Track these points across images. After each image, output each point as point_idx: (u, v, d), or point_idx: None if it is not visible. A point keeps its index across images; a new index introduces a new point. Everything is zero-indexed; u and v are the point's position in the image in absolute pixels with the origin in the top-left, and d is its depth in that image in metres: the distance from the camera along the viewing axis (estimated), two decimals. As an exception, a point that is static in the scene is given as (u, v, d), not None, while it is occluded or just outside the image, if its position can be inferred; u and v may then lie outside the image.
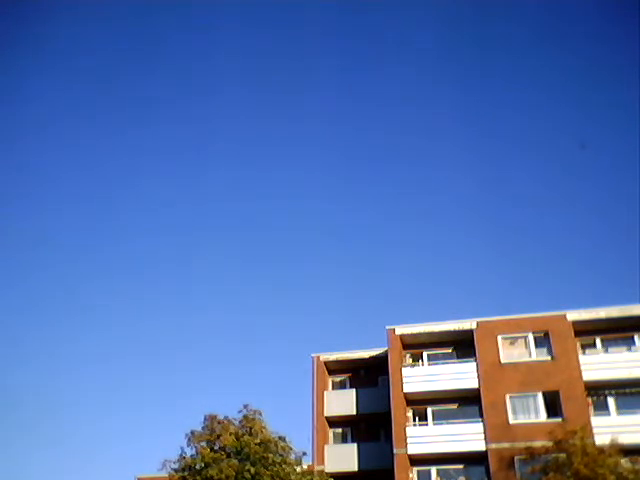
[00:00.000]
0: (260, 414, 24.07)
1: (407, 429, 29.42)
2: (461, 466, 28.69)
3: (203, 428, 23.83)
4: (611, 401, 28.23)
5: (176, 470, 23.26)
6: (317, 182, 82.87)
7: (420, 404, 30.64)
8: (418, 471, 29.11)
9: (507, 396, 28.63)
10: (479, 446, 28.05)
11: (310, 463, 28.69)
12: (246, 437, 23.06)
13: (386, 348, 31.92)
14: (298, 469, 23.96)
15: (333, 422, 33.20)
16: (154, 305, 78.16)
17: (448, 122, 76.03)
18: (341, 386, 34.71)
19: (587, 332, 29.66)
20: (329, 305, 76.70)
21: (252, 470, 22.05)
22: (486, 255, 74.22)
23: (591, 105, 75.03)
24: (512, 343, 30.12)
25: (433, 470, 29.01)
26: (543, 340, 29.71)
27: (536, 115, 73.95)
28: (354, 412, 32.52)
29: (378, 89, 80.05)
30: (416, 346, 32.16)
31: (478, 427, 28.48)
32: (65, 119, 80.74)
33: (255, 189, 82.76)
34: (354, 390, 33.31)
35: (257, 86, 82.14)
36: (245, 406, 24.27)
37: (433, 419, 30.37)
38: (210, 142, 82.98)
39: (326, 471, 28.77)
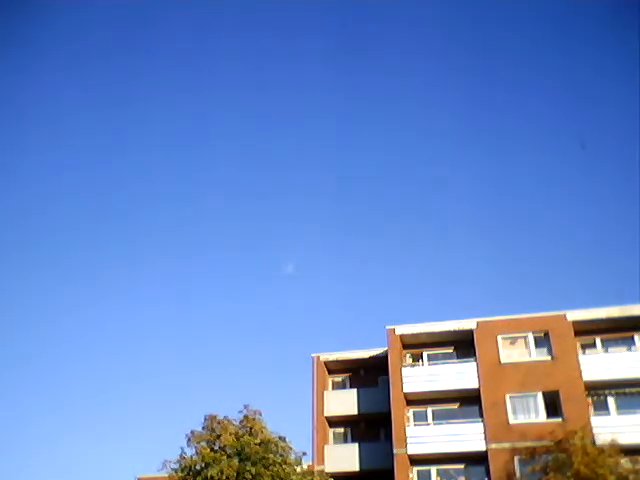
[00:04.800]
0: (260, 414, 24.09)
1: (407, 429, 29.41)
2: (461, 466, 28.69)
3: (203, 428, 23.84)
4: (611, 401, 28.21)
5: (176, 470, 23.27)
6: (317, 180, 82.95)
7: (420, 404, 30.62)
8: (418, 471, 29.11)
9: (507, 396, 28.61)
10: (479, 446, 28.04)
11: (310, 463, 28.69)
12: (246, 437, 23.07)
13: (386, 348, 31.91)
14: (298, 469, 23.97)
15: (333, 422, 33.20)
16: (154, 304, 78.27)
17: (450, 121, 76.08)
18: (341, 386, 34.69)
19: (587, 332, 29.63)
20: (329, 305, 76.81)
21: (252, 470, 22.06)
22: (486, 255, 74.25)
23: (591, 105, 75.11)
24: (512, 343, 30.11)
25: (433, 470, 29.02)
26: (543, 340, 29.70)
27: (537, 114, 74.03)
28: (354, 412, 32.50)
29: (380, 89, 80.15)
30: (416, 346, 32.15)
31: (478, 427, 28.47)
32: (62, 118, 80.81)
33: (253, 187, 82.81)
34: (355, 390, 33.28)
35: (257, 87, 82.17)
36: (245, 406, 24.32)
37: (433, 419, 30.36)
38: (208, 141, 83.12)
39: (326, 471, 28.81)
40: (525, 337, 29.99)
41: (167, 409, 67.58)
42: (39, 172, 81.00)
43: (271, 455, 22.75)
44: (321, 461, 30.91)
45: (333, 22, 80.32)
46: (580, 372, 28.12)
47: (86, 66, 78.34)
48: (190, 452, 23.60)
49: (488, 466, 27.44)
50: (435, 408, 30.48)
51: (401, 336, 31.69)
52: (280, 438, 23.79)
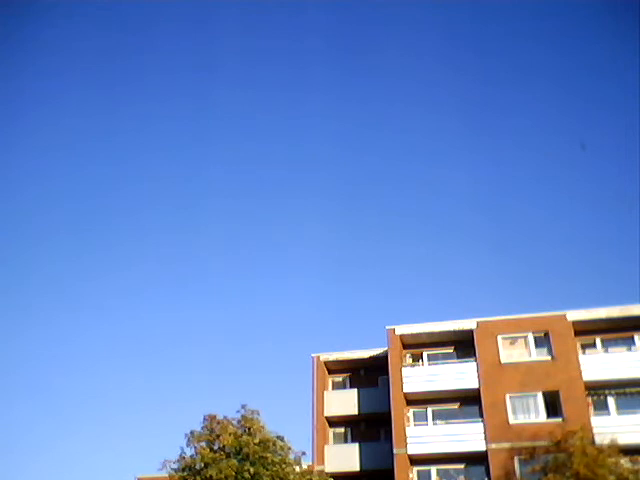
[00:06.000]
0: (258, 414, 24.05)
1: (407, 429, 29.40)
2: (461, 466, 28.68)
3: (202, 428, 23.80)
4: (611, 401, 28.20)
5: (176, 470, 23.27)
6: (317, 181, 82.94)
7: (420, 404, 30.61)
8: (418, 471, 29.10)
9: (507, 396, 28.60)
10: (479, 446, 28.03)
11: (310, 463, 28.69)
12: (245, 437, 23.06)
13: (386, 348, 31.90)
14: (297, 469, 23.95)
15: (333, 422, 33.19)
16: (153, 304, 78.29)
17: (449, 122, 76.13)
18: (341, 386, 34.66)
19: (587, 332, 29.62)
20: (329, 305, 76.81)
21: (251, 470, 22.04)
22: (486, 255, 74.25)
23: (591, 105, 75.06)
24: (512, 343, 30.09)
25: (433, 470, 29.00)
26: (543, 340, 29.68)
27: (537, 115, 74.01)
28: (354, 412, 32.47)
29: (379, 90, 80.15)
30: (416, 346, 32.14)
31: (478, 427, 28.46)
32: (61, 117, 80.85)
33: (253, 187, 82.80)
34: (355, 390, 33.25)
35: (256, 86, 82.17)
36: (243, 406, 24.29)
37: (433, 419, 30.37)
38: (207, 140, 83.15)
39: (326, 471, 28.81)
40: (525, 337, 29.97)
41: (167, 409, 67.63)
42: (41, 173, 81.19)
43: (270, 455, 22.71)
44: (321, 461, 30.90)
45: (333, 23, 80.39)
46: (580, 372, 28.10)
47: (86, 67, 78.48)
48: (190, 452, 23.62)
49: (488, 466, 27.43)
50: (435, 408, 30.47)
51: (401, 336, 31.68)
52: (279, 437, 23.77)
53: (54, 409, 67.74)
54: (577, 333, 29.35)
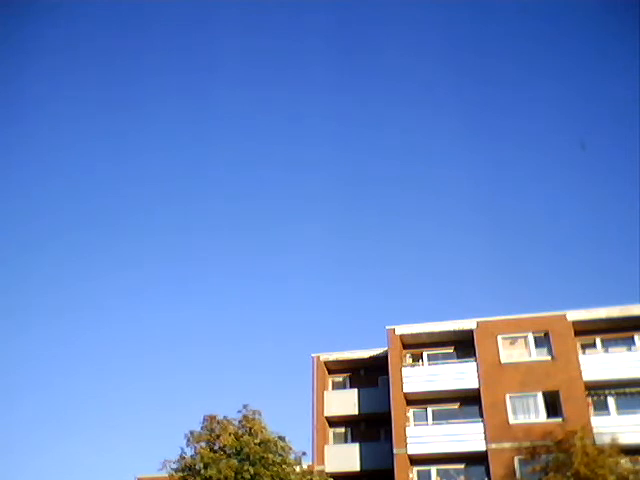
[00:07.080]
0: (259, 414, 24.05)
1: (407, 429, 29.40)
2: (461, 466, 28.66)
3: (202, 428, 23.82)
4: (611, 401, 28.20)
5: (176, 470, 23.27)
6: (317, 182, 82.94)
7: (420, 404, 30.62)
8: (418, 471, 29.10)
9: (507, 396, 28.60)
10: (479, 446, 28.02)
11: (310, 463, 28.67)
12: (245, 437, 23.05)
13: (386, 348, 31.90)
14: (298, 469, 23.95)
15: (333, 422, 33.18)
16: (153, 304, 78.26)
17: (449, 122, 76.10)
18: (341, 386, 34.65)
19: (587, 332, 29.61)
20: (329, 305, 76.79)
21: (251, 470, 22.04)
22: (486, 255, 74.21)
23: (591, 105, 75.07)
24: (512, 343, 30.09)
25: (433, 470, 29.00)
26: (543, 340, 29.68)
27: (537, 115, 74.00)
28: (354, 412, 32.46)
29: (378, 90, 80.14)
30: (416, 346, 32.14)
31: (478, 427, 28.45)
32: (62, 117, 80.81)
33: (254, 188, 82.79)
34: (355, 390, 33.25)
35: (256, 86, 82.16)
36: (244, 406, 24.29)
37: (433, 419, 30.37)
38: (207, 140, 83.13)
39: (326, 471, 28.81)
40: (525, 337, 29.97)
41: (167, 409, 67.62)
42: (41, 174, 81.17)
43: (270, 455, 22.71)
44: (321, 461, 30.89)
45: (333, 23, 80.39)
46: (580, 372, 28.10)
47: (86, 67, 78.44)
48: (190, 452, 23.63)
49: (488, 466, 27.42)
50: (435, 408, 30.47)
51: (401, 336, 31.68)
52: (280, 438, 23.74)
53: (54, 409, 67.77)
54: (577, 333, 29.35)
